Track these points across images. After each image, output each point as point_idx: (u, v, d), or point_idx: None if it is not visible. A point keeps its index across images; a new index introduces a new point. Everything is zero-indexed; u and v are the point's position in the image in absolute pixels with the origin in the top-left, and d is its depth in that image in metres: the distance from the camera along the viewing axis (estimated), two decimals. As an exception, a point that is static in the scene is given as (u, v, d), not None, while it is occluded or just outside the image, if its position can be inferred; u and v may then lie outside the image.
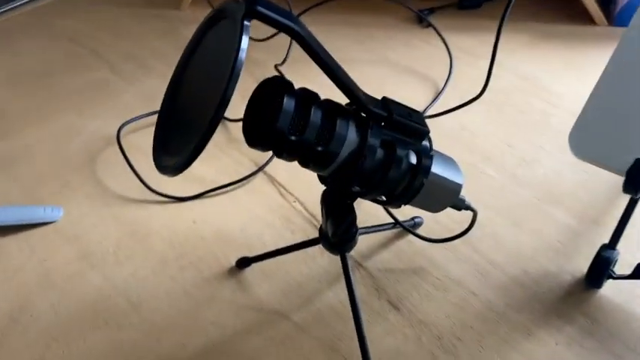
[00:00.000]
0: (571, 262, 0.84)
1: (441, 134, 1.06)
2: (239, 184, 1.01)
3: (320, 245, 0.73)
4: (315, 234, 0.75)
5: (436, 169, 0.62)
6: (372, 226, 0.86)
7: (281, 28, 0.48)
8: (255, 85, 0.55)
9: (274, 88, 0.53)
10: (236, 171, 1.03)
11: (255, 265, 0.86)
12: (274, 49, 1.32)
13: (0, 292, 0.85)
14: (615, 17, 1.34)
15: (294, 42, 0.50)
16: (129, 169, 1.03)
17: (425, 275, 0.84)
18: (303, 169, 0.59)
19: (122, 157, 1.06)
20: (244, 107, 0.55)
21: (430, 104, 1.15)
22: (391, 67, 1.29)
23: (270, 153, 0.55)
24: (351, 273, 0.72)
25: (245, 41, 0.45)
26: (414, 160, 0.60)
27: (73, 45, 1.45)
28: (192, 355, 0.76)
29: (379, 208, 0.90)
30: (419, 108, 1.13)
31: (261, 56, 1.33)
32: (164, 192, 0.99)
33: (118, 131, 1.11)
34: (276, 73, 1.25)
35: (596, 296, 0.79)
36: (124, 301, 0.83)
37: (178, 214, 0.96)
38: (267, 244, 0.89)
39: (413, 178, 0.60)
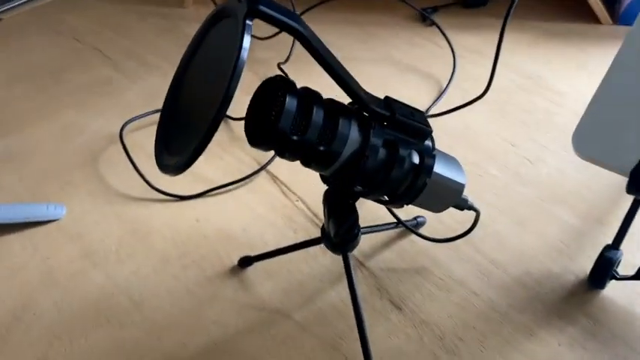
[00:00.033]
0: (574, 262, 0.83)
1: (444, 133, 1.06)
2: (241, 182, 1.01)
3: (322, 244, 0.73)
4: (318, 233, 0.75)
5: (439, 168, 0.62)
6: (375, 226, 0.86)
7: (283, 27, 0.48)
8: (258, 84, 0.54)
9: (276, 87, 0.53)
10: (238, 170, 1.03)
11: (257, 264, 0.86)
12: (277, 48, 1.32)
13: (3, 290, 0.85)
14: (620, 16, 1.34)
15: (297, 40, 0.49)
16: (131, 167, 1.03)
17: (427, 275, 0.83)
18: (306, 168, 0.59)
19: (125, 155, 1.06)
20: (247, 105, 0.55)
21: (433, 103, 1.15)
22: (394, 65, 1.28)
23: (273, 152, 0.55)
24: (353, 273, 0.72)
25: (247, 41, 0.45)
26: (416, 159, 0.60)
27: (76, 42, 1.45)
28: (193, 353, 0.76)
29: (382, 207, 0.90)
30: (422, 107, 1.13)
31: (264, 54, 1.33)
32: (167, 190, 0.99)
33: (121, 129, 1.11)
34: (280, 72, 1.25)
35: (599, 297, 0.79)
36: (126, 300, 0.83)
37: (181, 213, 0.96)
38: (269, 243, 0.89)
39: (415, 178, 0.60)
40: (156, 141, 0.57)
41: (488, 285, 0.81)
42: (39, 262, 0.89)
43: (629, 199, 0.80)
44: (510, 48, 1.25)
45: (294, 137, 0.53)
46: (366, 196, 0.62)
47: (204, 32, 0.56)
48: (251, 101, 0.54)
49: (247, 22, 0.46)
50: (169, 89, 0.59)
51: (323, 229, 0.71)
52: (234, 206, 0.97)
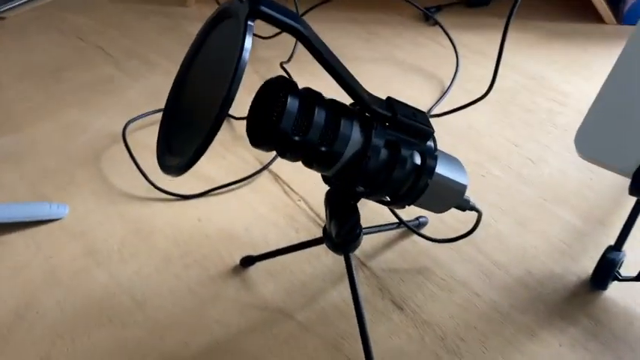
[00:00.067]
0: (576, 263, 0.83)
1: (447, 133, 1.06)
2: (244, 182, 1.01)
3: (324, 245, 0.73)
4: (319, 232, 0.75)
5: (441, 169, 0.61)
6: (377, 226, 0.86)
7: (284, 28, 0.48)
8: (260, 83, 0.54)
9: (278, 88, 0.53)
10: (241, 169, 1.03)
11: (259, 264, 0.86)
12: (280, 47, 1.32)
13: (6, 289, 0.85)
14: (624, 15, 1.33)
15: (299, 41, 0.49)
16: (134, 166, 1.04)
17: (429, 275, 0.83)
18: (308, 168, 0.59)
19: (127, 154, 1.06)
20: (249, 105, 0.55)
21: (436, 103, 1.15)
22: (397, 65, 1.28)
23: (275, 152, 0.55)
24: (354, 273, 0.72)
25: (248, 42, 0.45)
26: (418, 160, 0.60)
27: (79, 41, 1.46)
28: (195, 353, 0.76)
29: (384, 207, 0.90)
30: (425, 107, 1.13)
31: (266, 53, 1.33)
32: (169, 190, 0.99)
33: (124, 128, 1.12)
34: (282, 71, 1.25)
35: (601, 298, 0.78)
36: (129, 299, 0.83)
37: (183, 212, 0.96)
38: (271, 243, 0.89)
39: (417, 179, 0.60)
40: (158, 142, 0.57)
41: (489, 285, 0.81)
42: (42, 261, 0.89)
43: (632, 199, 0.80)
44: (513, 48, 1.25)
45: (296, 138, 0.53)
46: (367, 196, 0.62)
47: (206, 33, 0.57)
48: (252, 102, 0.54)
49: (249, 22, 0.46)
50: (171, 90, 0.59)
51: (325, 229, 0.71)
52: (236, 206, 0.97)
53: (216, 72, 0.50)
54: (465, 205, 0.68)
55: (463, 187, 0.65)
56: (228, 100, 0.45)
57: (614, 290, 0.79)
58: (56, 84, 1.30)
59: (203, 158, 0.47)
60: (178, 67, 0.59)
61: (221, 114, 0.45)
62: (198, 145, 0.46)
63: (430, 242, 0.86)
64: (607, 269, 0.77)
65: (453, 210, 0.68)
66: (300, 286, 0.83)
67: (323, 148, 0.55)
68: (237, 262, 0.87)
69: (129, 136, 1.10)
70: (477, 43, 1.32)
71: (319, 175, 0.63)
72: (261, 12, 0.46)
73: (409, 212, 0.83)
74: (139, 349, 0.77)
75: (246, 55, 0.45)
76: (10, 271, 0.88)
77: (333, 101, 0.57)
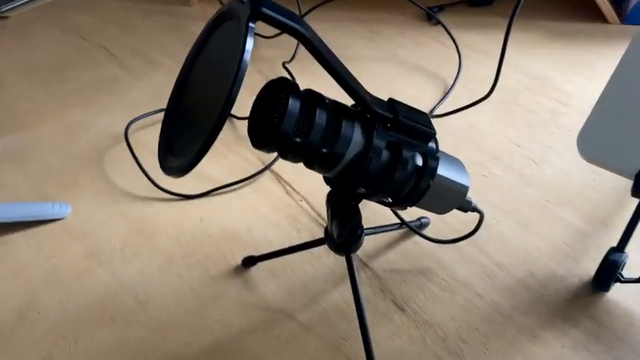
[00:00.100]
0: (578, 264, 0.83)
1: (449, 133, 1.06)
2: (246, 182, 1.01)
3: (326, 245, 0.73)
4: (321, 233, 0.75)
5: (442, 171, 0.61)
6: (378, 227, 0.86)
7: (286, 29, 0.48)
8: (263, 82, 0.54)
9: (279, 89, 0.53)
10: (243, 169, 1.03)
11: (261, 264, 0.86)
12: (282, 47, 1.32)
13: (8, 289, 0.86)
14: (627, 15, 1.33)
15: (300, 43, 0.50)
16: (137, 166, 1.04)
17: (431, 276, 0.83)
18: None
19: (130, 154, 1.06)
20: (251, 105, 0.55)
21: (438, 103, 1.15)
22: (400, 65, 1.28)
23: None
24: (356, 274, 0.72)
25: (250, 43, 0.45)
26: (420, 161, 0.60)
27: (82, 40, 1.46)
28: (197, 353, 0.76)
29: (385, 208, 0.90)
30: (427, 106, 1.13)
31: (269, 53, 1.33)
32: (171, 190, 0.99)
33: (126, 128, 1.12)
34: (284, 71, 1.25)
35: (603, 299, 0.78)
36: (131, 299, 0.83)
37: (185, 212, 0.96)
38: (273, 243, 0.89)
39: (419, 180, 0.60)
40: (159, 142, 0.57)
41: (491, 287, 0.81)
42: (44, 261, 0.89)
43: (635, 201, 0.79)
44: (516, 47, 1.24)
45: (297, 139, 0.53)
46: (369, 197, 0.62)
47: (207, 34, 0.57)
48: (254, 103, 0.54)
49: (250, 24, 0.46)
50: (173, 90, 0.59)
51: (326, 230, 0.71)
52: (238, 206, 0.97)
53: (218, 73, 0.50)
54: (466, 206, 0.68)
55: (465, 189, 0.65)
56: (230, 101, 0.45)
57: (617, 292, 0.79)
58: (59, 83, 1.30)
59: (205, 158, 0.47)
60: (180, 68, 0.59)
61: (223, 115, 0.45)
62: (200, 145, 0.46)
63: (432, 243, 0.86)
64: (609, 271, 0.77)
65: (455, 211, 0.67)
66: (301, 287, 0.83)
67: (324, 150, 0.55)
68: (239, 262, 0.87)
69: (132, 136, 1.11)
70: (479, 43, 1.31)
71: (321, 175, 0.63)
72: (262, 14, 0.46)
73: (411, 213, 0.83)
74: (142, 349, 0.77)
75: (247, 56, 0.45)
76: (12, 270, 0.89)
77: (334, 102, 0.57)
